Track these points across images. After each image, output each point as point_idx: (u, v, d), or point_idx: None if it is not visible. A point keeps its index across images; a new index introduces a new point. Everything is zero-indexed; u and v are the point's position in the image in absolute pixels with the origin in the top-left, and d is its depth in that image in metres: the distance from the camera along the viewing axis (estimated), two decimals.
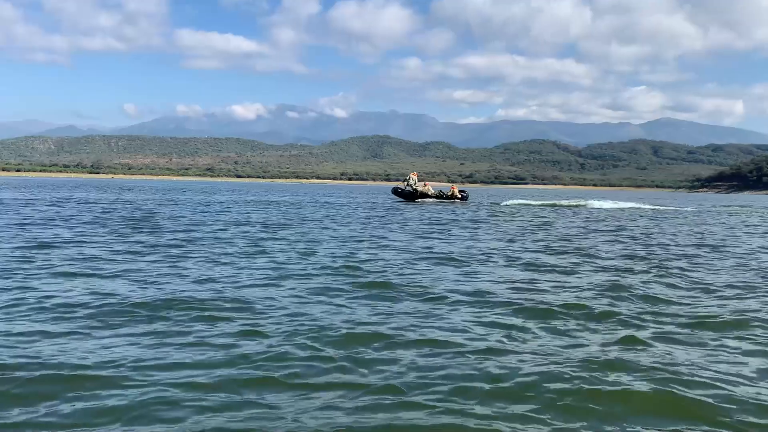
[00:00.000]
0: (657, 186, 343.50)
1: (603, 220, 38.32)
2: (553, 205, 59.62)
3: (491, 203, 63.27)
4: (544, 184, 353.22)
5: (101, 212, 34.44)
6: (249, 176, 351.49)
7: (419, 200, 57.97)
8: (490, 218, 37.69)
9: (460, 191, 60.39)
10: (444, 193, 59.17)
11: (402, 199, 59.92)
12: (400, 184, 61.67)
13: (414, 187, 58.57)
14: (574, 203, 63.26)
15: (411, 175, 60.64)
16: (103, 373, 7.02)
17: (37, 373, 6.90)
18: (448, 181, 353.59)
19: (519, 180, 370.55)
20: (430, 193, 58.59)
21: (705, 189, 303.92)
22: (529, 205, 60.57)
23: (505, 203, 62.61)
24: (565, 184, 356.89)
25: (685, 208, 64.14)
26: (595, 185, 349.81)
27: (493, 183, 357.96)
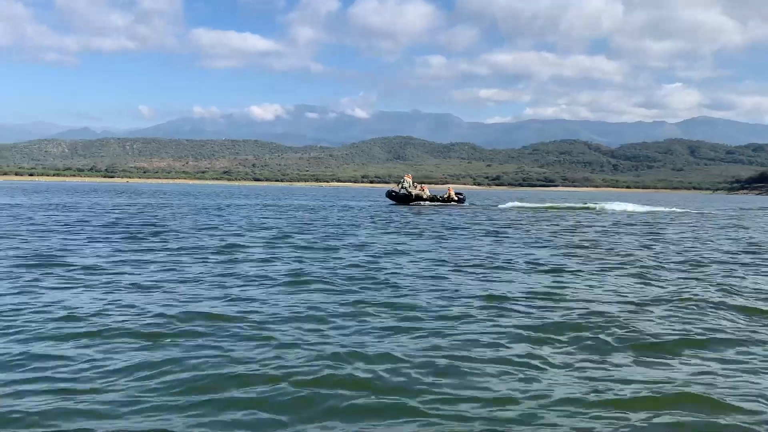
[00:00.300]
0: (694, 188, 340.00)
1: (616, 224, 38.03)
2: (557, 208, 58.82)
3: (489, 206, 62.77)
4: (575, 186, 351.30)
5: (114, 218, 34.87)
6: (267, 179, 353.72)
7: (414, 203, 58.17)
8: (511, 223, 37.56)
9: (456, 194, 60.62)
10: (440, 196, 59.37)
11: (396, 203, 60.10)
12: (395, 187, 61.94)
13: (408, 189, 58.86)
14: (586, 206, 62.33)
15: (405, 177, 61.01)
16: (103, 382, 7.30)
17: (35, 387, 7.25)
18: (474, 184, 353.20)
19: (548, 182, 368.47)
20: (425, 195, 58.72)
21: (745, 191, 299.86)
22: (530, 208, 59.72)
23: (502, 206, 61.58)
24: (597, 186, 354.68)
25: (715, 211, 63.42)
26: (628, 187, 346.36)
27: (521, 185, 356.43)
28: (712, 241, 26.82)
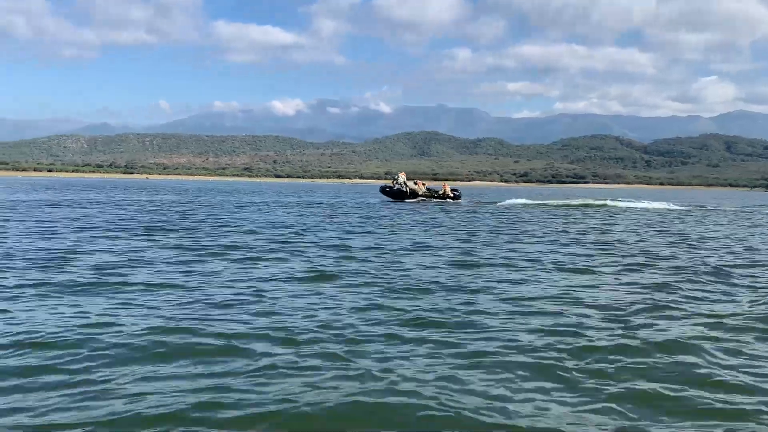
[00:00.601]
0: (730, 185, 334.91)
1: (626, 221, 37.86)
2: (566, 206, 58.78)
3: (488, 203, 63.14)
4: (606, 182, 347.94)
5: (132, 215, 35.43)
6: (288, 176, 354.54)
7: (409, 200, 59.24)
8: (527, 221, 37.58)
9: (452, 190, 61.45)
10: (436, 192, 60.22)
11: (391, 199, 61.13)
12: (390, 183, 63.08)
13: (402, 186, 59.88)
14: (589, 203, 62.48)
15: (399, 175, 62.63)
16: (116, 370, 7.50)
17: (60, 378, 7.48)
18: (501, 180, 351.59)
19: (579, 179, 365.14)
20: (420, 192, 59.76)
21: None
22: (533, 205, 59.61)
23: (502, 203, 61.87)
24: (629, 183, 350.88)
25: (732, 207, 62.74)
26: (661, 184, 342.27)
27: (549, 182, 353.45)
28: (721, 239, 26.68)
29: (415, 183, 61.25)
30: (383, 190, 62.75)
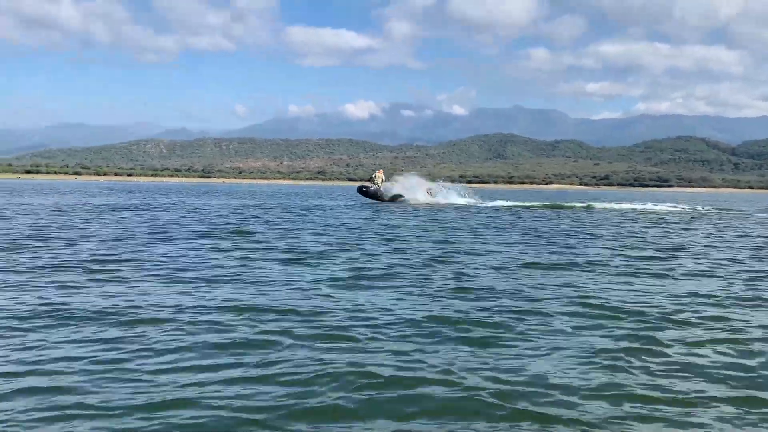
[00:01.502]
0: None
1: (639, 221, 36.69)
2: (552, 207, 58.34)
3: (478, 203, 62.00)
4: (692, 186, 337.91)
5: (212, 219, 36.52)
6: (361, 179, 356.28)
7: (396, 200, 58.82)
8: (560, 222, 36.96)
9: (427, 190, 60.70)
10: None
11: (369, 199, 60.69)
12: (367, 183, 62.53)
13: (380, 186, 59.52)
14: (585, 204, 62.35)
15: (377, 173, 61.85)
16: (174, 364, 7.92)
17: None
18: (580, 184, 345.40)
19: (662, 182, 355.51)
20: (399, 192, 59.29)
21: None
22: (520, 206, 59.03)
23: (486, 204, 60.44)
24: (715, 187, 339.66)
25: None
26: (750, 188, 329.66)
27: (632, 185, 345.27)
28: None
29: (392, 184, 60.93)
30: (360, 190, 62.37)
